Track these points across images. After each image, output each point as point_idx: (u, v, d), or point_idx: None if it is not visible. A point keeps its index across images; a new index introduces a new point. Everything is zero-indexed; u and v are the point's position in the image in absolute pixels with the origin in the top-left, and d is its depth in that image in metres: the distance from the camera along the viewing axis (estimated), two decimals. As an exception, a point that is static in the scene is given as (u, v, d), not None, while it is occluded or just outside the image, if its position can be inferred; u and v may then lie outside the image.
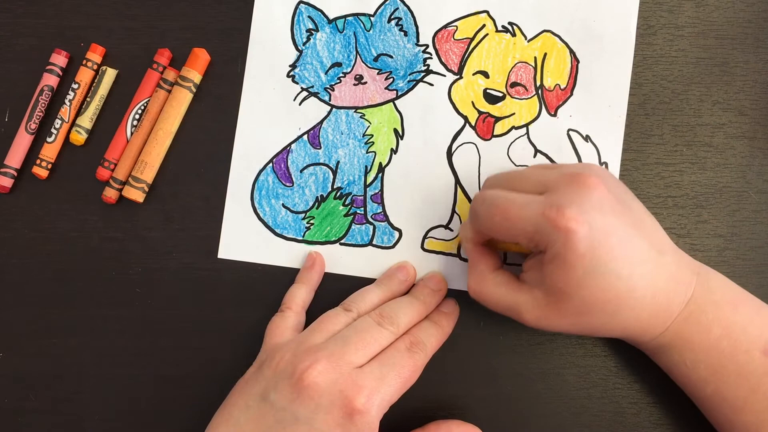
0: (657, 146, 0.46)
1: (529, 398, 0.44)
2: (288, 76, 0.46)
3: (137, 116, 0.45)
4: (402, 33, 0.46)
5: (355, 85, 0.46)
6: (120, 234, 0.45)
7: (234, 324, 0.45)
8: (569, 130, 0.46)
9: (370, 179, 0.46)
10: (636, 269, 0.36)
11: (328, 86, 0.46)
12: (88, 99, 0.45)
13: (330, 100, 0.46)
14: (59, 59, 0.46)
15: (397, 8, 0.46)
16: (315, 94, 0.46)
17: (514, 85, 0.46)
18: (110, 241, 0.45)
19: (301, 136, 0.46)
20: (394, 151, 0.46)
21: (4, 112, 0.46)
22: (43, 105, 0.45)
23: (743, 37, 0.46)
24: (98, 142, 0.46)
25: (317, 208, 0.46)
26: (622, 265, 0.36)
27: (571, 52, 0.46)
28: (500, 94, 0.46)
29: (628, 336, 0.39)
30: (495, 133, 0.46)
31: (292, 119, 0.46)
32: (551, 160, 0.46)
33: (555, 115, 0.46)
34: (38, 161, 0.45)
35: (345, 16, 0.46)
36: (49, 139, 0.45)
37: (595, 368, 0.45)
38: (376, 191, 0.46)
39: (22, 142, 0.45)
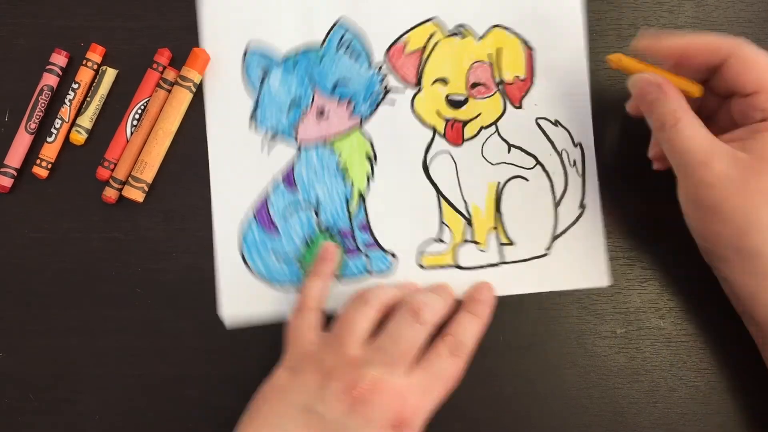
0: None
1: (529, 398, 0.44)
2: (250, 122, 0.46)
3: (137, 116, 0.45)
4: (354, 58, 0.46)
5: (318, 119, 0.46)
6: (120, 234, 0.45)
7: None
8: (537, 118, 0.46)
9: (353, 210, 0.45)
10: None
11: (291, 126, 0.46)
12: (88, 99, 0.45)
13: (296, 139, 0.46)
14: (59, 59, 0.45)
15: (345, 32, 0.46)
16: (280, 137, 0.46)
17: (474, 85, 0.46)
18: (110, 241, 0.45)
19: (276, 183, 0.45)
20: (370, 177, 0.46)
21: (4, 112, 0.46)
22: (43, 105, 0.45)
23: (743, 37, 0.46)
24: (98, 142, 0.46)
25: (308, 251, 0.45)
26: None
27: (523, 41, 0.46)
28: (462, 98, 0.46)
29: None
30: (465, 137, 0.46)
31: (264, 166, 0.45)
32: (526, 153, 0.46)
33: (520, 107, 0.46)
34: (38, 161, 0.45)
35: (295, 53, 0.46)
36: (49, 139, 0.45)
37: (595, 368, 0.45)
38: (362, 220, 0.45)
39: (22, 141, 0.45)
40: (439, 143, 0.46)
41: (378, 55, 0.46)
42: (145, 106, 0.45)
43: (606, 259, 0.45)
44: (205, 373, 0.44)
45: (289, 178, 0.45)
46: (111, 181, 0.45)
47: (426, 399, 0.39)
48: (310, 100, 0.46)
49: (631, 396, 0.45)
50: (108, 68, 0.46)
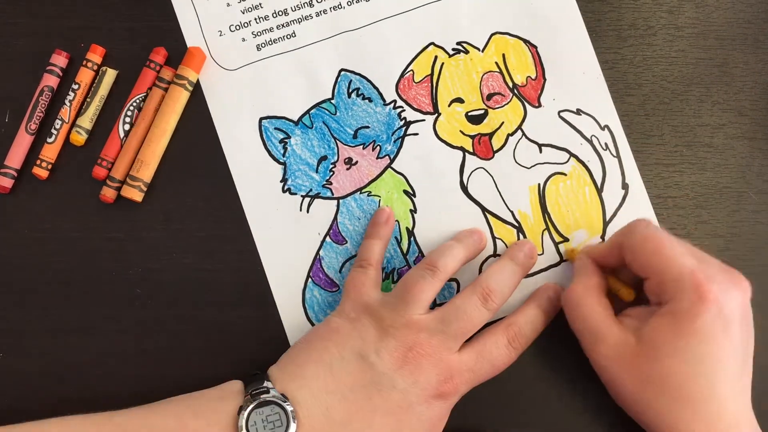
0: (657, 147, 0.46)
1: (530, 398, 0.44)
2: (284, 191, 0.46)
3: (129, 112, 0.45)
4: (366, 101, 0.46)
5: (348, 169, 0.46)
6: (120, 234, 0.45)
7: (234, 324, 0.45)
8: (559, 112, 0.46)
9: (405, 247, 0.46)
10: (727, 387, 0.36)
11: (324, 182, 0.46)
12: (88, 99, 0.45)
13: (333, 194, 0.46)
14: (59, 59, 0.46)
15: (351, 80, 0.46)
16: (317, 196, 0.46)
17: (490, 96, 0.46)
18: (110, 241, 0.45)
19: (323, 240, 0.46)
20: (413, 212, 0.46)
21: (4, 112, 0.46)
22: (43, 105, 0.45)
23: (743, 38, 0.47)
24: (98, 142, 0.46)
25: (372, 298, 0.45)
26: (722, 371, 0.36)
27: (525, 42, 0.46)
28: (482, 112, 0.46)
29: None
30: (495, 149, 0.46)
31: (309, 227, 0.46)
32: (557, 148, 0.46)
33: (540, 105, 0.46)
34: (38, 162, 0.45)
35: (308, 111, 0.46)
36: (49, 140, 0.45)
37: None
38: (416, 255, 0.46)
39: (22, 142, 0.45)
40: (472, 161, 0.46)
41: (389, 93, 0.46)
42: (137, 103, 0.45)
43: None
44: (204, 372, 0.44)
45: (336, 233, 0.46)
46: (108, 180, 0.45)
47: (471, 378, 0.40)
48: (335, 152, 0.46)
49: None
50: (108, 69, 0.46)
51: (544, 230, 0.46)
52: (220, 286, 0.45)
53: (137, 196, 0.45)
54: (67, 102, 0.45)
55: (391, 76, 0.46)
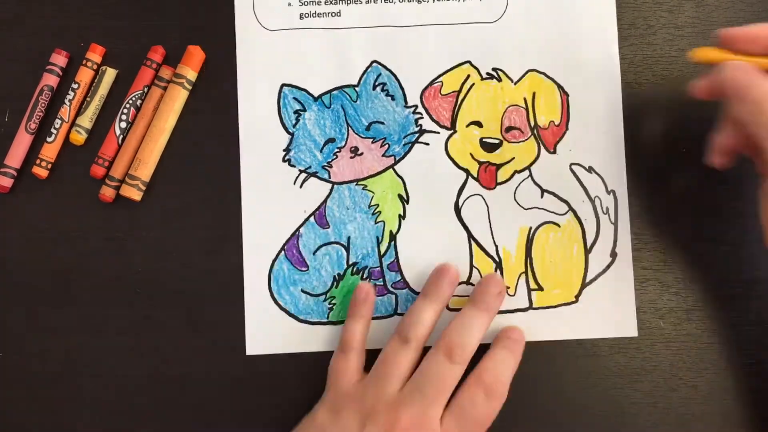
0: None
1: (529, 398, 0.44)
2: (284, 160, 0.46)
3: (126, 110, 0.45)
4: (389, 98, 0.46)
5: (351, 158, 0.46)
6: (120, 234, 0.45)
7: (234, 324, 0.45)
8: (571, 164, 0.46)
9: (383, 249, 0.46)
10: None
11: (325, 164, 0.46)
12: (87, 99, 0.45)
13: (330, 177, 0.46)
14: (59, 59, 0.46)
15: (380, 74, 0.46)
16: (314, 174, 0.46)
17: (509, 129, 0.46)
18: (110, 240, 0.45)
19: (307, 219, 0.46)
20: (402, 217, 0.46)
21: (4, 112, 0.46)
22: (43, 105, 0.45)
23: None
24: (98, 142, 0.46)
25: (336, 288, 0.45)
26: None
27: (559, 87, 0.46)
28: (497, 141, 0.46)
29: None
30: (499, 181, 0.46)
31: (297, 202, 0.46)
32: (559, 198, 0.46)
33: (554, 152, 0.46)
34: (38, 161, 0.45)
35: (330, 91, 0.46)
36: (48, 139, 0.45)
37: (595, 368, 0.45)
38: (392, 260, 0.45)
39: (22, 142, 0.45)
40: (472, 186, 0.46)
41: (413, 97, 0.46)
42: (134, 101, 0.45)
43: (634, 309, 0.45)
44: (205, 373, 0.45)
45: (321, 216, 0.46)
46: (107, 179, 0.45)
47: None
48: (345, 138, 0.46)
49: (631, 396, 0.45)
50: (108, 68, 0.46)
51: (522, 273, 0.45)
52: (220, 285, 0.45)
53: (136, 195, 0.45)
54: (66, 101, 0.45)
55: (419, 81, 0.46)
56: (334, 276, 0.45)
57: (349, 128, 0.46)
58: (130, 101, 0.45)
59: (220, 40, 0.46)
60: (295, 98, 0.46)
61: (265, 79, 0.46)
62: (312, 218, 0.46)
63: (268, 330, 0.45)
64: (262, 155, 0.46)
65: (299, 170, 0.46)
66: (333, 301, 0.45)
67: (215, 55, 0.46)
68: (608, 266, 0.45)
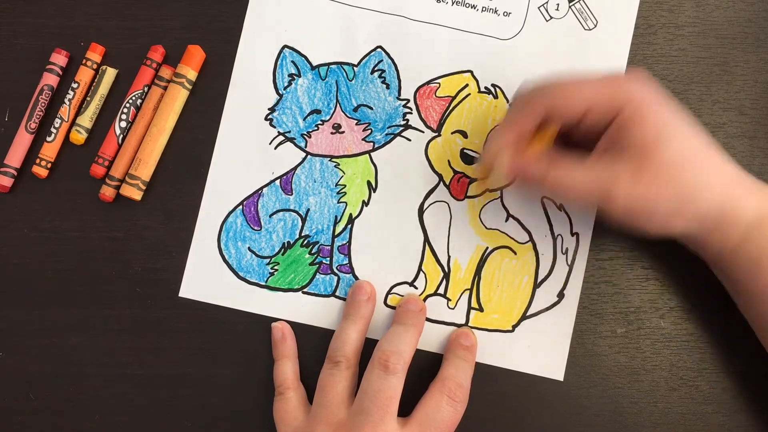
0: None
1: (529, 398, 0.44)
2: (266, 119, 0.46)
3: (125, 110, 0.45)
4: (384, 85, 0.46)
5: (332, 133, 0.46)
6: (120, 233, 0.45)
7: (234, 324, 0.45)
8: (543, 197, 0.46)
9: (338, 230, 0.45)
10: (703, 138, 0.38)
11: (305, 132, 0.46)
12: (87, 98, 0.46)
13: (306, 146, 0.46)
14: (59, 59, 0.46)
15: (382, 60, 0.46)
16: (291, 140, 0.46)
17: (492, 147, 0.46)
18: (110, 240, 0.45)
19: (273, 181, 0.46)
20: (365, 204, 0.46)
21: (4, 111, 0.46)
22: (43, 104, 0.45)
23: (743, 37, 0.46)
24: (98, 141, 0.46)
25: (283, 255, 0.45)
26: (692, 128, 0.38)
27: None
28: (477, 155, 0.46)
29: (707, 210, 0.38)
30: (468, 194, 0.46)
31: (267, 163, 0.46)
32: (522, 227, 0.45)
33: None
34: (38, 161, 0.45)
35: (328, 64, 0.46)
36: (48, 139, 0.45)
37: (595, 368, 0.45)
38: (344, 242, 0.45)
39: (22, 141, 0.45)
40: (441, 192, 0.46)
41: (407, 90, 0.46)
42: (134, 101, 0.45)
43: (566, 354, 0.44)
44: (205, 373, 0.45)
45: (287, 182, 0.46)
46: (107, 179, 0.45)
47: None
48: (331, 113, 0.46)
49: (631, 396, 0.45)
50: (108, 68, 0.46)
51: (467, 290, 0.45)
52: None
53: (136, 194, 0.45)
54: (66, 101, 0.45)
55: (418, 77, 0.46)
56: (284, 243, 0.45)
57: (338, 105, 0.46)
58: (130, 101, 0.45)
59: (220, 39, 0.46)
60: (293, 62, 0.46)
61: (270, 36, 0.46)
62: (278, 182, 0.46)
63: (206, 278, 0.45)
64: (245, 108, 0.46)
65: (278, 132, 0.46)
66: (276, 267, 0.45)
67: (215, 55, 0.46)
68: (552, 305, 0.45)
